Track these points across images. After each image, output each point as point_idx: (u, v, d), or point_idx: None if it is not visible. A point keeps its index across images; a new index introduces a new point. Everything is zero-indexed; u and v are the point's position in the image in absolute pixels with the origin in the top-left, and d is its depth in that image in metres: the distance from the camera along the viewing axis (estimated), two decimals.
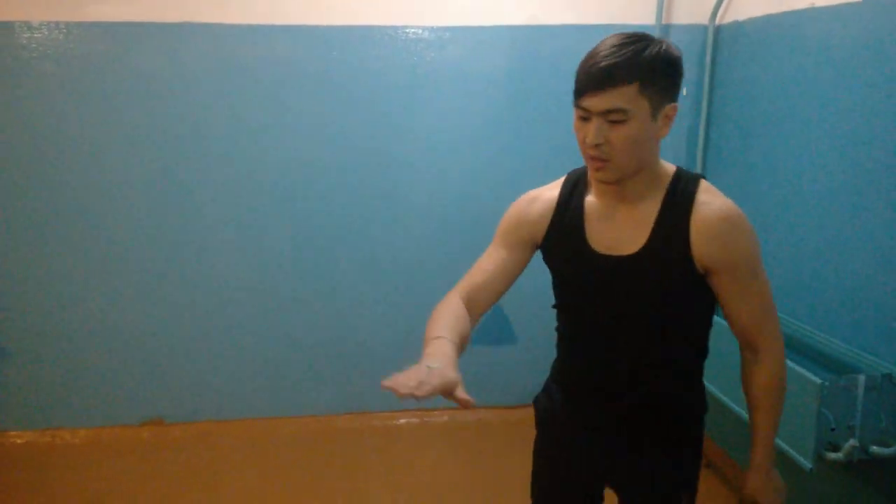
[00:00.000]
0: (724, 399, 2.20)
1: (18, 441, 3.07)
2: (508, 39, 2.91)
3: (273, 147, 2.93)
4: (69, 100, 2.79)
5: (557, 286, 1.43)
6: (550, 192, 1.39)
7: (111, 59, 2.77)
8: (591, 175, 1.31)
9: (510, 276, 1.39)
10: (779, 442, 1.94)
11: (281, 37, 2.83)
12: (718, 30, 2.84)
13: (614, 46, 1.14)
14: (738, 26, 2.70)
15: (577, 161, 1.32)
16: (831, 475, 2.01)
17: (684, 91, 2.98)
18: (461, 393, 1.02)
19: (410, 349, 3.40)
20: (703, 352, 1.40)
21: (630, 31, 1.19)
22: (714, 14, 2.81)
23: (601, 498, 1.55)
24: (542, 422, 1.55)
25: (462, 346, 1.18)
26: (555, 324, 1.49)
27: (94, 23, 2.74)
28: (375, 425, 3.23)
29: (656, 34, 2.85)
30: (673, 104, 1.20)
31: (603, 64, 1.13)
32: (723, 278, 1.23)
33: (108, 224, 2.92)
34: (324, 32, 2.84)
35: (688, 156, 3.03)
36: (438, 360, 1.06)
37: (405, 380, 0.98)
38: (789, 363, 1.93)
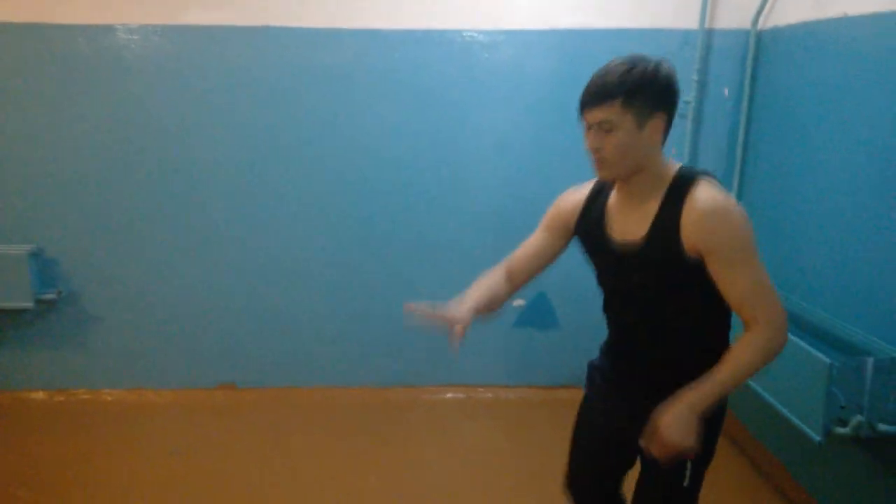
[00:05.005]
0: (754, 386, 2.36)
1: (109, 398, 3.46)
2: (559, 42, 3.12)
3: (342, 138, 3.22)
4: (164, 96, 3.14)
5: (592, 267, 1.69)
6: (584, 189, 1.68)
7: (200, 58, 3.11)
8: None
9: (547, 256, 1.72)
10: (789, 416, 2.11)
11: (349, 39, 3.11)
12: (760, 35, 2.98)
13: (608, 70, 1.40)
14: (778, 32, 2.84)
15: None
16: (841, 450, 2.17)
17: (726, 92, 3.14)
18: (457, 327, 1.44)
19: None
20: (719, 327, 1.57)
21: (636, 54, 1.43)
22: (756, 19, 2.95)
23: (632, 455, 1.69)
24: (588, 378, 1.79)
25: (490, 307, 1.60)
26: (595, 311, 1.76)
27: (185, 26, 3.07)
28: (424, 399, 3.49)
29: (700, 38, 3.04)
30: (658, 114, 1.42)
31: (595, 84, 1.41)
32: (712, 261, 1.41)
33: (196, 206, 3.27)
34: (388, 35, 3.10)
35: (728, 155, 3.18)
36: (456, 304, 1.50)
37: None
38: (803, 344, 2.11)
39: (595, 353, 1.79)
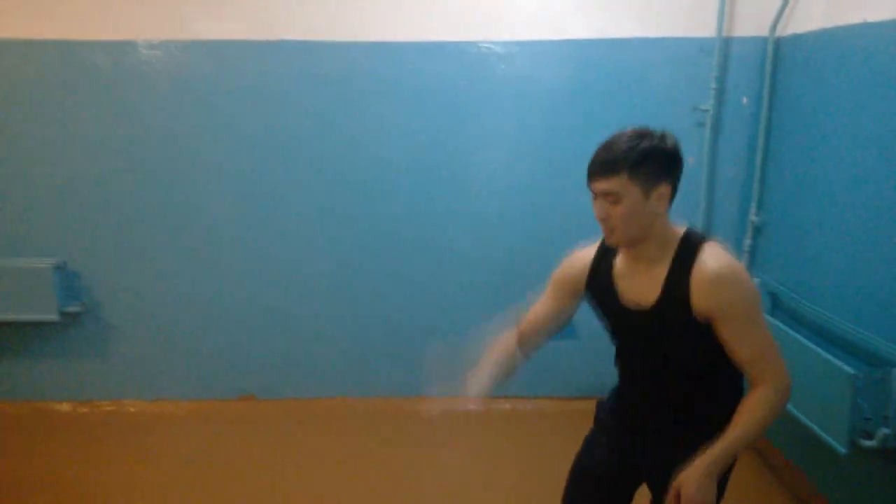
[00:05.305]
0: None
1: (132, 409, 3.50)
2: (574, 52, 3.11)
3: (353, 149, 3.24)
4: (178, 107, 3.18)
5: (603, 325, 1.71)
6: (588, 251, 1.70)
7: (215, 71, 3.15)
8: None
9: (558, 319, 1.75)
10: (814, 427, 2.08)
11: (362, 52, 3.13)
12: (778, 42, 2.95)
13: (614, 142, 1.43)
14: (797, 39, 2.82)
15: None
16: (866, 461, 2.13)
17: (744, 100, 3.11)
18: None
19: (474, 336, 3.62)
20: (730, 378, 1.57)
21: (641, 126, 1.46)
22: (774, 27, 2.92)
23: (629, 494, 1.78)
24: (596, 417, 1.84)
25: (505, 376, 1.70)
26: None
27: (202, 41, 3.12)
28: (441, 408, 3.48)
29: (717, 46, 3.03)
30: (664, 184, 1.44)
31: (601, 156, 1.43)
32: (719, 325, 1.44)
33: (215, 219, 3.31)
34: (401, 48, 3.12)
35: (748, 163, 3.15)
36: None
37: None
38: (828, 355, 2.08)
39: (611, 366, 1.78)
